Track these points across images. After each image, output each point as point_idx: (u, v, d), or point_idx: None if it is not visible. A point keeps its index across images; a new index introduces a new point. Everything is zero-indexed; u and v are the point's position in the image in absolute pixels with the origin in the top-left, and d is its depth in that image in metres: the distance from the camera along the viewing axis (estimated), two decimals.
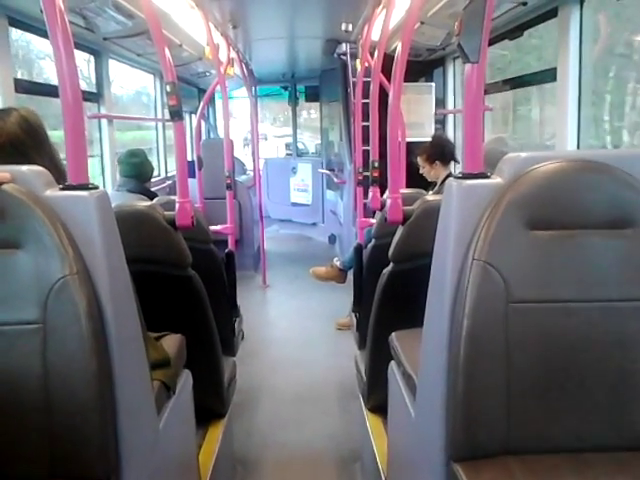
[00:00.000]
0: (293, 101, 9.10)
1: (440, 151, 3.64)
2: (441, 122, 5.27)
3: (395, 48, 2.20)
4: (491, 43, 3.43)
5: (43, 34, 2.96)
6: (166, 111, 3.43)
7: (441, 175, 3.61)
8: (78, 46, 3.59)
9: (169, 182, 5.44)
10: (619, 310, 1.22)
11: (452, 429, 1.21)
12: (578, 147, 2.88)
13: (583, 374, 1.22)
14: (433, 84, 5.17)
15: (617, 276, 1.22)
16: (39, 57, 3.96)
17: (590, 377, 1.22)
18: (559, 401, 1.22)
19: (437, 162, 3.62)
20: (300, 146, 9.86)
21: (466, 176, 1.28)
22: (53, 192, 1.20)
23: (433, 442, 1.28)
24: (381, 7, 3.23)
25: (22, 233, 1.14)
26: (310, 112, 10.92)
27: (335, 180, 6.64)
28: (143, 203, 2.09)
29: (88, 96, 3.92)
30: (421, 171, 3.71)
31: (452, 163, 3.70)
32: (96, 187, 1.24)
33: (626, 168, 1.24)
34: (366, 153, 3.43)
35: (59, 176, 1.30)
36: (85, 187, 1.22)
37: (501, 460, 1.19)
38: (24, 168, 1.21)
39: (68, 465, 1.15)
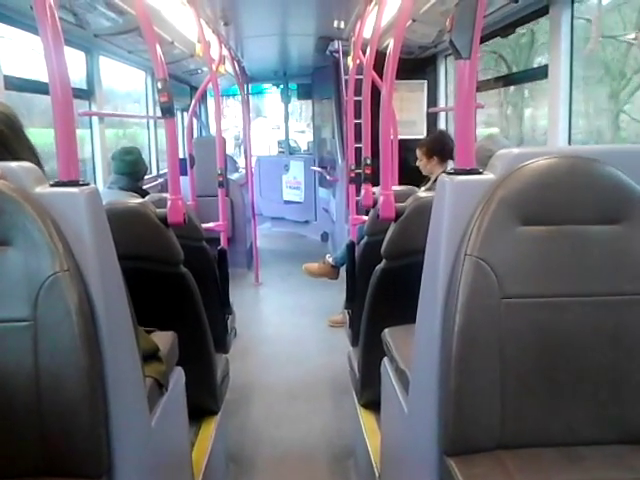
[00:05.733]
0: (285, 99, 9.08)
1: (440, 147, 3.65)
2: (433, 120, 5.28)
3: (387, 45, 2.21)
4: (483, 41, 3.45)
5: (33, 30, 2.94)
6: (157, 108, 3.42)
7: (435, 171, 3.62)
8: (68, 43, 3.56)
9: (160, 180, 5.41)
10: (611, 305, 1.23)
11: (445, 424, 1.22)
12: (569, 143, 2.90)
13: (576, 368, 1.22)
14: (425, 82, 5.17)
15: (608, 271, 1.23)
16: None
17: (583, 371, 1.22)
18: (552, 395, 1.22)
19: (435, 157, 3.63)
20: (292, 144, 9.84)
21: (458, 172, 1.28)
22: (43, 189, 1.19)
23: (426, 437, 1.28)
24: (373, 4, 3.22)
25: (12, 230, 1.13)
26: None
27: (327, 178, 6.63)
28: (135, 200, 2.08)
29: (79, 93, 3.90)
30: (417, 163, 3.71)
31: (449, 163, 3.71)
32: (87, 184, 1.23)
33: (616, 164, 1.25)
34: (358, 150, 3.43)
35: (37, 164, 1.30)
36: (75, 184, 1.21)
37: (494, 454, 1.19)
38: (13, 165, 1.20)
39: (60, 463, 1.15)
